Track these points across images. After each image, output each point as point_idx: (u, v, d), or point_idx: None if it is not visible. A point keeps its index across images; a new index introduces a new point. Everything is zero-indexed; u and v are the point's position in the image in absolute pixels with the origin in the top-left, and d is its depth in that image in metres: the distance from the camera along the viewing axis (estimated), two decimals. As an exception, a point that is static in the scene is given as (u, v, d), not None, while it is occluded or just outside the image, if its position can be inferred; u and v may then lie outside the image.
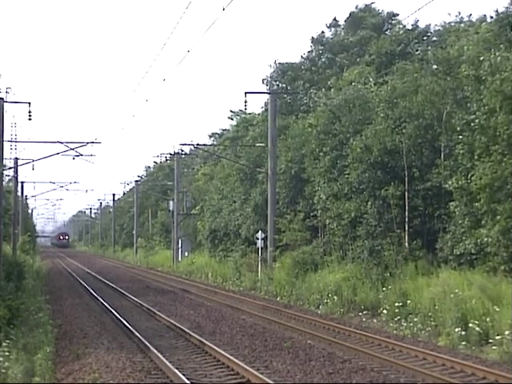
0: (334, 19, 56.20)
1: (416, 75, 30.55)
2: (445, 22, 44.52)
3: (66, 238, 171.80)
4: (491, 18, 31.34)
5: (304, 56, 55.32)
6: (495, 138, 22.41)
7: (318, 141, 34.14)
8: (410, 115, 28.43)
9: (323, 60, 54.29)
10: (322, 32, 55.52)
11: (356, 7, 54.34)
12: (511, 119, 21.81)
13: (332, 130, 33.29)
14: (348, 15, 54.51)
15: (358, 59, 46.65)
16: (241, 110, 68.23)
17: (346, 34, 53.30)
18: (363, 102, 33.11)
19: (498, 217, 21.87)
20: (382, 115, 29.76)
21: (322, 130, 33.99)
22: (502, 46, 23.47)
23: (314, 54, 54.90)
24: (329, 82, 44.26)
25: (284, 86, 53.91)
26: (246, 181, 46.04)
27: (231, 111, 71.77)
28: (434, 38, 42.77)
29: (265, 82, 54.50)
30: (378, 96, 31.94)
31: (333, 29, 56.08)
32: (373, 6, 54.13)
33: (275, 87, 52.38)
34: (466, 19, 43.09)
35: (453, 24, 43.21)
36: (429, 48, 38.06)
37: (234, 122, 69.34)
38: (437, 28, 45.15)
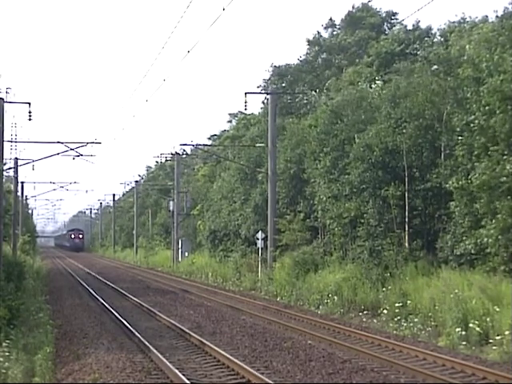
0: (330, 19, 56.25)
1: (416, 75, 30.50)
2: (449, 21, 44.53)
3: (81, 236, 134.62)
4: (497, 17, 31.30)
5: (302, 58, 55.34)
6: (494, 138, 22.40)
7: (319, 141, 34.08)
8: (410, 115, 28.40)
9: (320, 61, 54.26)
10: (318, 33, 55.51)
11: (353, 7, 54.38)
12: (511, 115, 21.74)
13: (333, 130, 33.22)
14: (346, 15, 54.52)
15: (358, 60, 46.62)
16: (241, 112, 68.24)
17: (344, 34, 53.26)
18: (367, 101, 33.02)
19: (499, 215, 21.83)
20: (383, 114, 29.72)
21: (323, 130, 33.92)
22: (498, 46, 23.38)
23: (311, 55, 54.87)
24: (327, 84, 44.22)
25: (283, 87, 53.86)
26: (246, 181, 46.00)
27: (230, 114, 71.78)
28: (436, 39, 42.72)
29: (262, 84, 54.57)
30: (380, 96, 31.86)
31: (329, 29, 56.08)
32: (370, 4, 54.09)
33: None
34: (468, 19, 43.08)
35: (455, 24, 43.16)
36: (429, 49, 38.01)
37: (234, 123, 69.34)
38: (438, 28, 45.18)
